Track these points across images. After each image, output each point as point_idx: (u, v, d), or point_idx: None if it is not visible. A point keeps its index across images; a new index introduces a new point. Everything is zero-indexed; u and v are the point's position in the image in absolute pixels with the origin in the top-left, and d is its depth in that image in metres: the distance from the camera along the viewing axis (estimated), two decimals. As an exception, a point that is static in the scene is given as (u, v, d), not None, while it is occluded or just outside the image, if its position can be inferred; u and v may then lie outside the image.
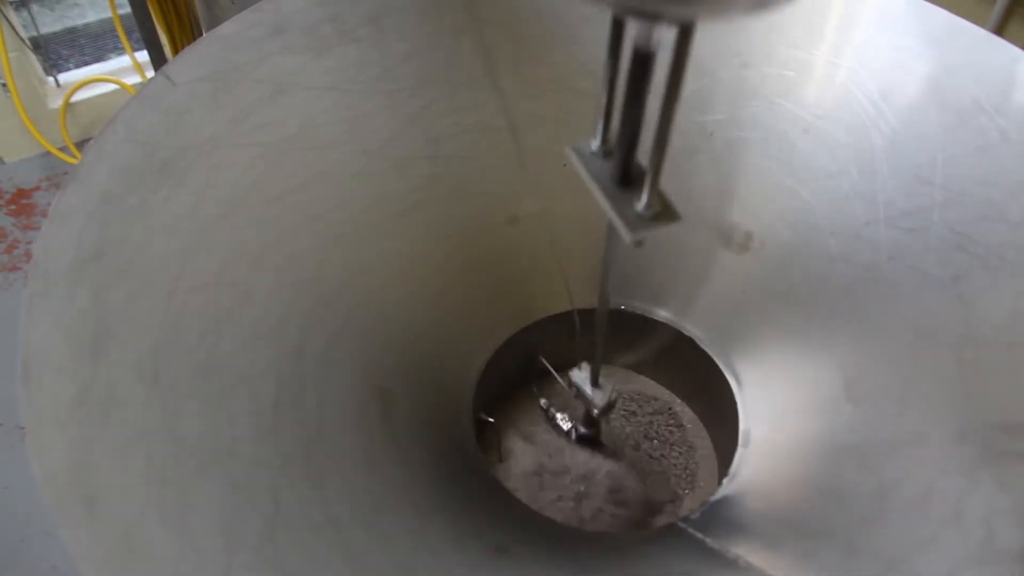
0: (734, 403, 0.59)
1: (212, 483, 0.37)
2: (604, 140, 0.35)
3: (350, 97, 0.56)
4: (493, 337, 0.63)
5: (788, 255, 0.58)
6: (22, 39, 1.56)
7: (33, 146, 1.67)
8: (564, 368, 0.58)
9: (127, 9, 1.30)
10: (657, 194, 0.33)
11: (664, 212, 0.34)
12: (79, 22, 1.90)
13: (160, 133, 0.48)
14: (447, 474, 0.51)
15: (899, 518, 0.43)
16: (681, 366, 0.66)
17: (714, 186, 0.60)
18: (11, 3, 1.55)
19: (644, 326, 0.65)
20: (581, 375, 0.56)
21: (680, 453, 0.65)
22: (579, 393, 0.56)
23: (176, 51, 1.41)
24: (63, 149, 1.66)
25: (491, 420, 0.62)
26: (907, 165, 0.54)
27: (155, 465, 0.36)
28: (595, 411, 0.56)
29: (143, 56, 1.46)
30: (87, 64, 1.78)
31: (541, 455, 0.63)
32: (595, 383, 0.55)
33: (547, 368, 0.65)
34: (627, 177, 0.34)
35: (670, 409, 0.68)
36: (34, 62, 1.65)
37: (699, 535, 0.48)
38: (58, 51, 1.84)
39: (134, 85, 1.67)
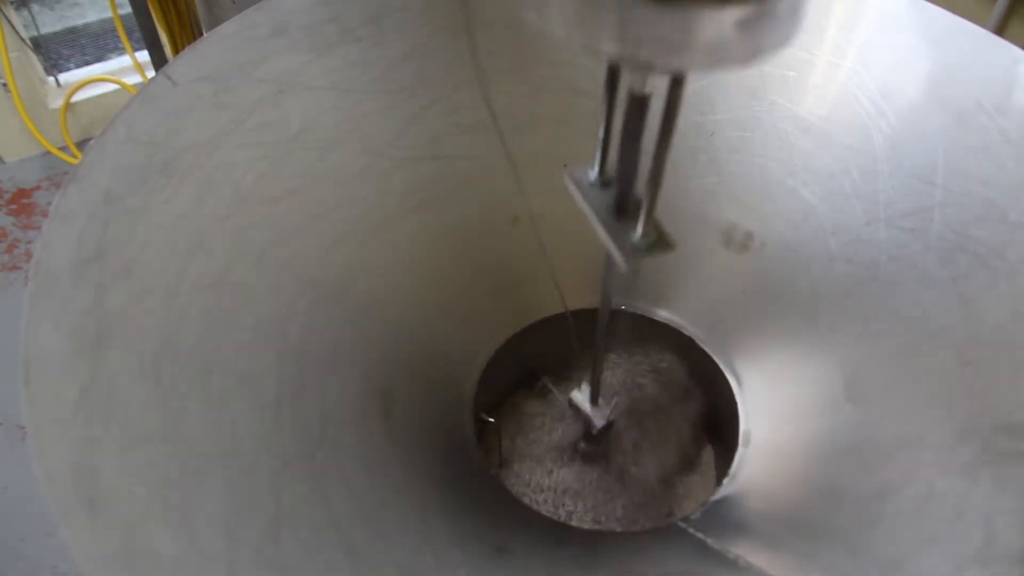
0: (734, 403, 0.59)
1: (214, 483, 0.37)
2: (602, 171, 0.36)
3: (351, 97, 0.56)
4: (495, 337, 0.63)
5: (788, 255, 0.58)
6: (22, 39, 1.56)
7: (33, 146, 1.67)
8: (565, 367, 0.58)
9: (127, 9, 1.30)
10: (653, 224, 0.35)
11: (659, 241, 0.35)
12: (79, 22, 1.90)
13: (161, 133, 0.48)
14: (448, 474, 0.51)
15: (899, 518, 0.43)
16: (681, 366, 0.66)
17: (714, 186, 0.60)
18: (11, 3, 1.55)
19: (644, 326, 0.65)
20: (580, 396, 0.57)
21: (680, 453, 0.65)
22: (579, 413, 0.57)
23: (177, 51, 1.41)
24: (64, 149, 1.66)
25: (491, 420, 0.62)
26: (907, 165, 0.54)
27: (156, 465, 0.37)
28: (595, 430, 0.57)
29: (143, 56, 1.46)
30: (88, 64, 1.78)
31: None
32: (594, 402, 0.56)
33: (548, 386, 0.66)
34: (623, 207, 0.36)
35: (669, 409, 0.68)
36: (35, 62, 1.65)
37: (699, 535, 0.48)
38: (59, 51, 1.84)
39: (135, 85, 1.67)
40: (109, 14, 1.62)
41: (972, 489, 0.41)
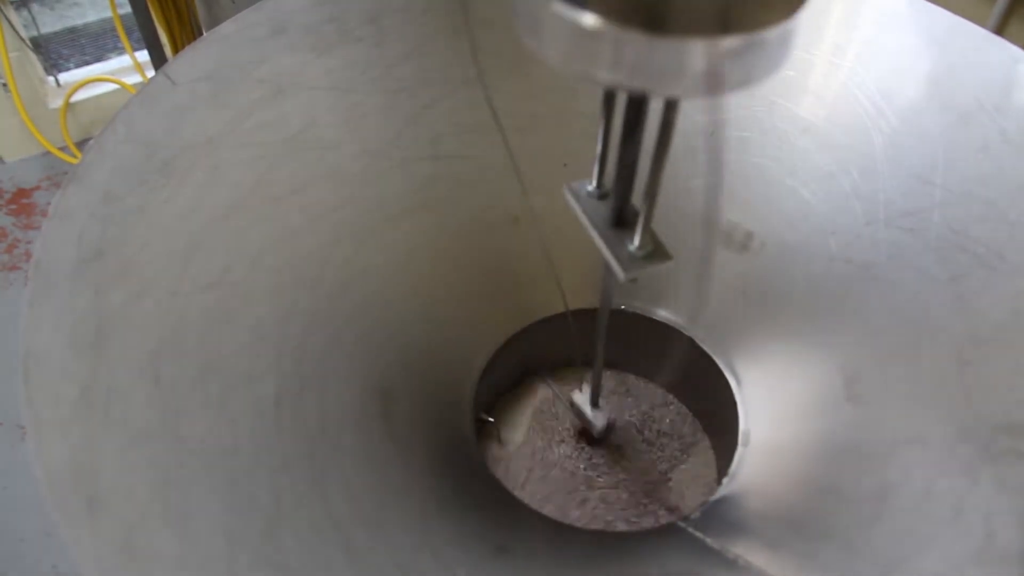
0: (734, 403, 0.59)
1: (213, 483, 0.38)
2: (600, 183, 0.37)
3: (351, 97, 0.56)
4: (494, 336, 0.63)
5: (788, 255, 0.58)
6: (22, 39, 1.56)
7: (33, 146, 1.67)
8: (566, 365, 0.58)
9: (127, 9, 1.30)
10: (650, 235, 0.35)
11: (656, 252, 0.36)
12: (79, 22, 1.90)
13: (161, 133, 0.48)
14: (448, 473, 0.51)
15: (899, 518, 0.43)
16: (681, 366, 0.66)
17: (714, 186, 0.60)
18: (11, 3, 1.55)
19: (644, 326, 0.65)
20: (581, 397, 0.57)
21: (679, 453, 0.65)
22: (579, 415, 0.58)
23: (176, 51, 1.41)
24: (63, 149, 1.66)
25: (491, 420, 0.62)
26: (907, 165, 0.54)
27: (156, 465, 0.37)
28: (595, 432, 0.57)
29: (143, 56, 1.46)
30: (87, 64, 1.78)
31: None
32: (595, 404, 0.57)
33: (551, 387, 0.66)
34: (621, 218, 0.36)
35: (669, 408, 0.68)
36: (34, 62, 1.65)
37: (699, 535, 0.48)
38: (58, 51, 1.84)
39: (134, 85, 1.67)
40: (109, 14, 1.62)
41: (972, 488, 0.41)
